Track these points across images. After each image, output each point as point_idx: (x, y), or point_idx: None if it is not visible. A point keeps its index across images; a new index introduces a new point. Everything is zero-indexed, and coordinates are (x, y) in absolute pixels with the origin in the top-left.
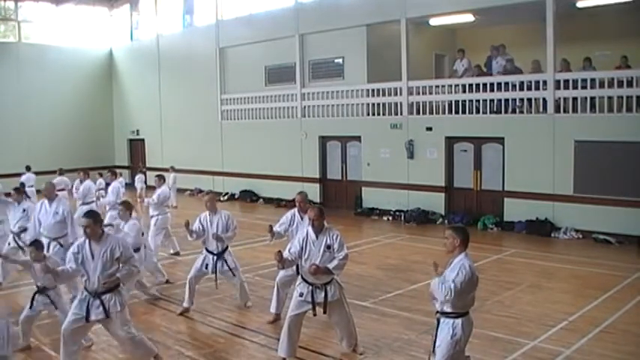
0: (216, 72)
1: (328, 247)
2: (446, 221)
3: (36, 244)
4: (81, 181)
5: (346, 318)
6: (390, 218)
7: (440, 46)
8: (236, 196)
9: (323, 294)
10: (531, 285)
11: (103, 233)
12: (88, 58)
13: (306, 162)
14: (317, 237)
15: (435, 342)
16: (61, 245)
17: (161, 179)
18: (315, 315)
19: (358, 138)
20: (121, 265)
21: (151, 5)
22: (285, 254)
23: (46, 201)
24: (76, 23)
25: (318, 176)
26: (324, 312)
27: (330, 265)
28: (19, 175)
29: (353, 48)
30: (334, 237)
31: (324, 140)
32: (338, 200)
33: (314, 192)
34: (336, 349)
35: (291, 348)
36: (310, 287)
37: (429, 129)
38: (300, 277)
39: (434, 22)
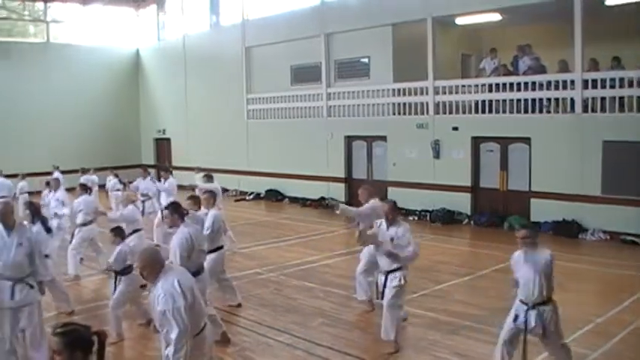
0: (242, 71)
1: (392, 239)
2: (472, 222)
3: (117, 230)
4: (144, 178)
5: (389, 308)
6: (416, 218)
7: (466, 45)
8: (261, 196)
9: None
10: (558, 286)
11: (183, 222)
12: (115, 58)
13: (331, 161)
14: (388, 229)
15: (545, 328)
16: (31, 286)
17: (210, 177)
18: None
19: (384, 138)
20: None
21: (178, 5)
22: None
23: (2, 228)
24: (104, 23)
25: (343, 176)
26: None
27: (401, 254)
28: (47, 174)
29: (379, 47)
30: (399, 232)
31: (349, 140)
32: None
33: (339, 191)
34: (360, 348)
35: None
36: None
37: (455, 129)
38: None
39: (460, 21)
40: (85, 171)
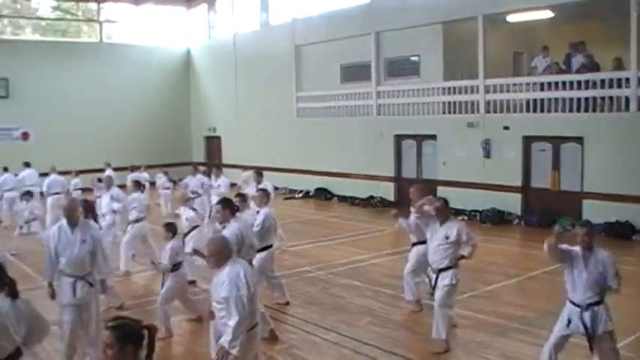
0: (292, 70)
1: (447, 237)
2: (522, 222)
3: (169, 225)
4: (193, 175)
5: (440, 307)
6: (466, 218)
7: (518, 43)
8: (311, 194)
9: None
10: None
11: (234, 217)
12: (166, 57)
13: (381, 160)
14: (440, 225)
15: (598, 330)
16: (91, 284)
17: (260, 175)
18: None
19: (434, 137)
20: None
21: (228, 4)
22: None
23: (65, 224)
24: (155, 23)
25: (393, 175)
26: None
27: (465, 252)
28: (99, 171)
29: (429, 45)
30: (453, 231)
31: (399, 139)
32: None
33: (389, 190)
34: (407, 348)
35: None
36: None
37: (506, 128)
38: None
39: (511, 18)
40: (134, 168)
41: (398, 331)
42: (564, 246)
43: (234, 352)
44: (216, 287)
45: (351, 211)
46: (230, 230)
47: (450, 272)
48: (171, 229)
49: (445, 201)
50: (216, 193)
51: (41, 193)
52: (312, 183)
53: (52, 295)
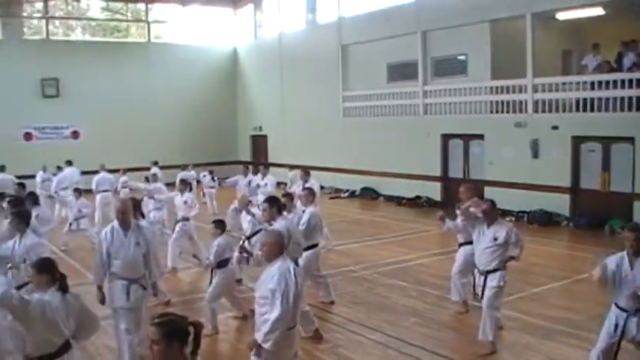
0: (338, 69)
1: (495, 239)
2: (571, 224)
3: (218, 222)
4: (245, 175)
5: (487, 308)
6: (513, 219)
7: (567, 41)
8: (357, 194)
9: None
10: None
11: (280, 215)
12: (213, 56)
13: (427, 160)
14: (488, 227)
15: None
16: (144, 288)
17: (307, 174)
18: (481, 298)
19: (481, 136)
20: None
21: (275, 4)
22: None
23: (118, 226)
24: (202, 23)
25: (439, 175)
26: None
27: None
28: (146, 169)
29: (476, 44)
30: (502, 232)
31: (446, 138)
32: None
33: (435, 190)
34: (451, 349)
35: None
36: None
37: (555, 128)
38: None
39: (561, 16)
40: (184, 167)
41: (443, 332)
42: (608, 270)
43: (266, 346)
44: (264, 281)
45: (398, 210)
46: (276, 227)
47: (497, 274)
48: (219, 226)
49: (492, 203)
50: (263, 192)
51: (89, 191)
52: (358, 182)
53: (102, 300)
